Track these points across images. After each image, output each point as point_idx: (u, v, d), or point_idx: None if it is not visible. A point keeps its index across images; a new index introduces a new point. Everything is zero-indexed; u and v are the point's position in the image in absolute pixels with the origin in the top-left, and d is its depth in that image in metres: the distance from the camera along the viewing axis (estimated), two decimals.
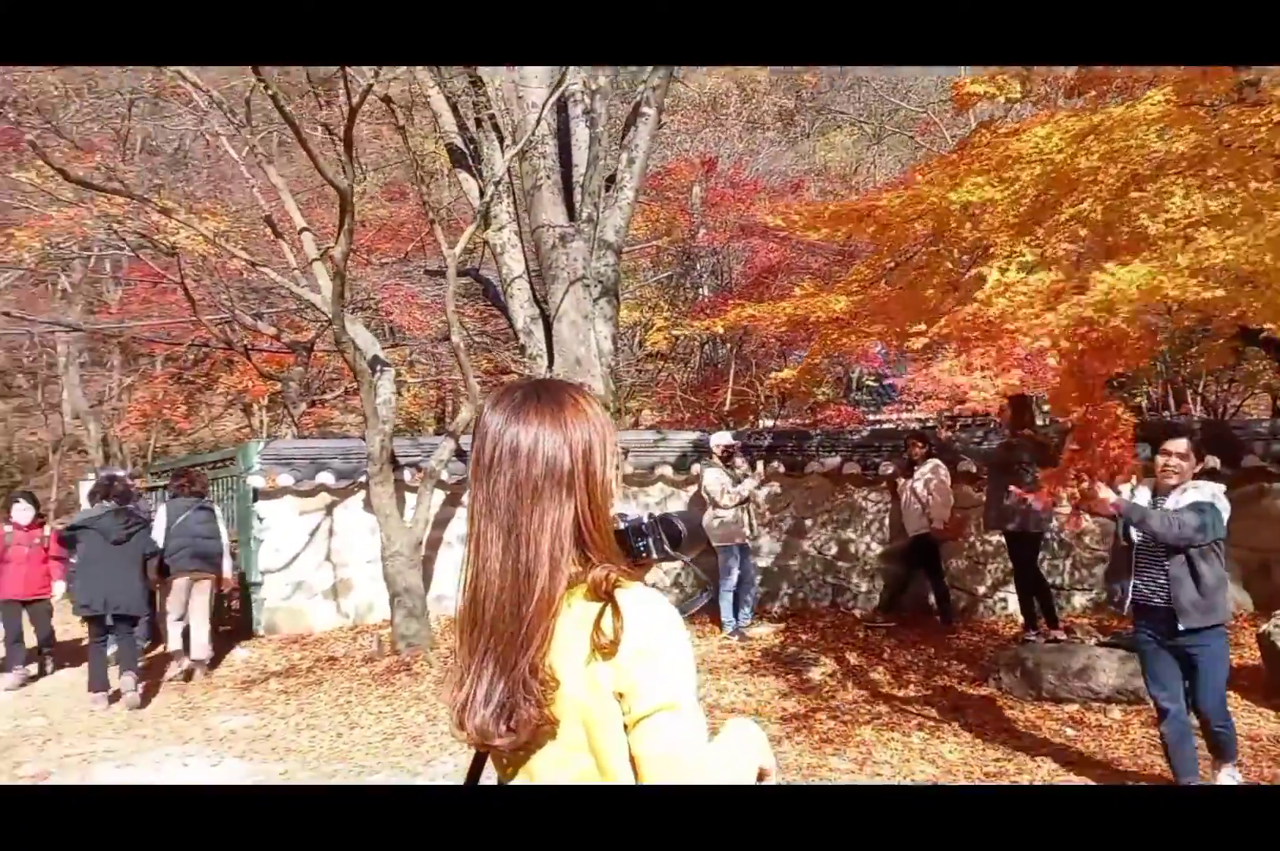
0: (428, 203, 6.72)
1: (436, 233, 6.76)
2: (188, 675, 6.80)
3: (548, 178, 9.01)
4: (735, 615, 7.30)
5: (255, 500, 7.79)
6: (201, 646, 6.82)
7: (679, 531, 1.46)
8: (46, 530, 7.25)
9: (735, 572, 7.24)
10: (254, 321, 10.97)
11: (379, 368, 6.98)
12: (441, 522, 7.85)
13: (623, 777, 1.17)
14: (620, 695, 1.15)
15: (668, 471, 7.85)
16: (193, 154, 14.02)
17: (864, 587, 7.83)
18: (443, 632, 7.29)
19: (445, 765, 5.09)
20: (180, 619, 6.79)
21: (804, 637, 7.23)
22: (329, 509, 7.81)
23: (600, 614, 1.16)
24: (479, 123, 9.23)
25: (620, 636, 1.15)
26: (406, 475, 7.67)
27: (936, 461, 7.40)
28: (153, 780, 4.96)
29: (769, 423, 14.80)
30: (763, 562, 7.91)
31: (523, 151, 8.92)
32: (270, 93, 5.64)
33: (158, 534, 6.62)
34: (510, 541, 1.20)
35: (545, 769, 1.21)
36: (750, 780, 1.33)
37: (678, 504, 7.94)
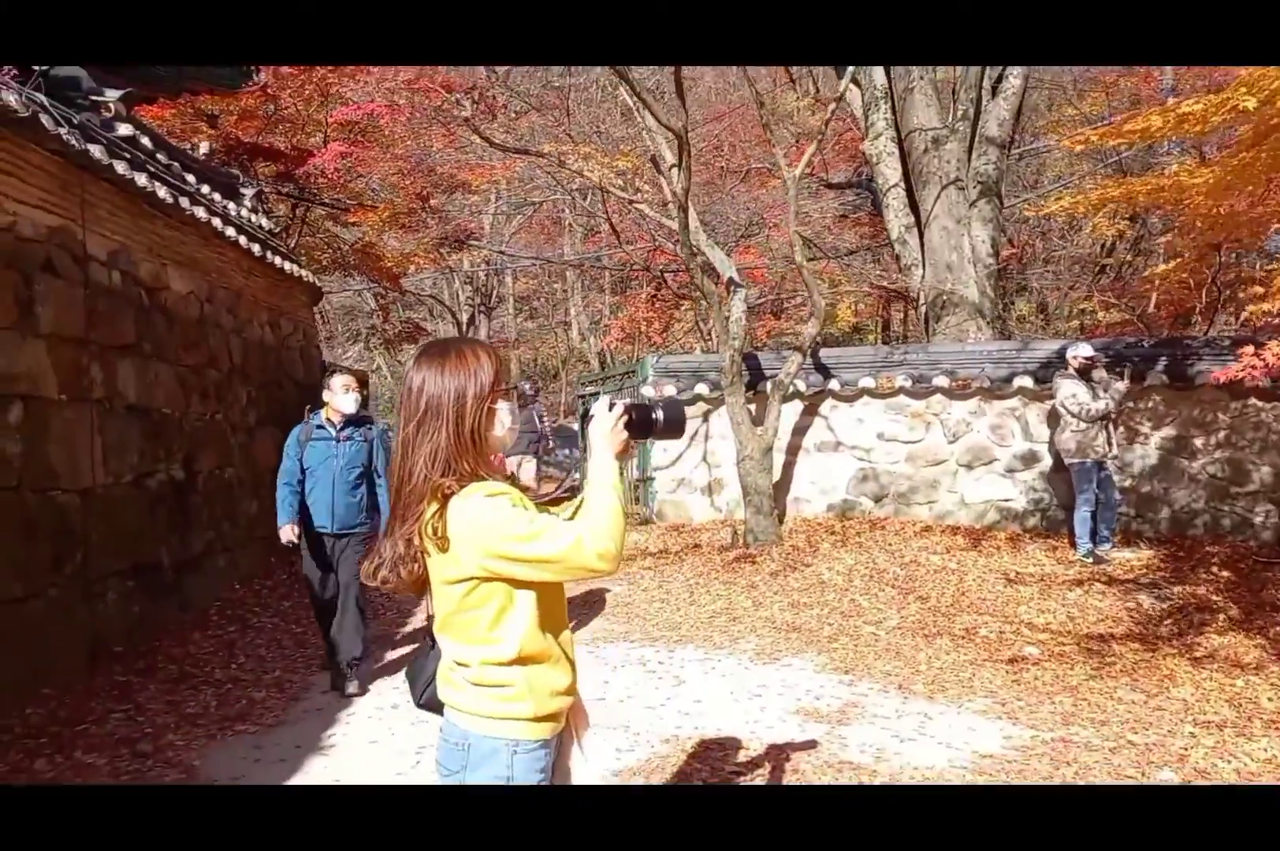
0: (767, 124, 6.99)
1: (775, 154, 7.05)
2: None
3: (920, 79, 8.71)
4: (1092, 538, 6.88)
5: None
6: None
7: (650, 417, 1.82)
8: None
9: (1091, 492, 6.80)
10: (673, 247, 12.26)
11: (733, 288, 7.61)
12: (801, 430, 8.40)
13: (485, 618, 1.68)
14: (483, 567, 1.65)
15: (1027, 382, 7.46)
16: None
17: (1262, 518, 6.79)
18: (790, 531, 7.95)
19: (749, 643, 5.81)
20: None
21: (1172, 567, 6.60)
22: (705, 416, 8.77)
23: (432, 514, 1.68)
24: None
25: (445, 531, 1.66)
26: (770, 387, 8.31)
27: None
28: None
29: (1230, 329, 12.58)
30: (1140, 485, 7.24)
31: None
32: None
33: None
34: (406, 450, 1.73)
35: (439, 605, 1.76)
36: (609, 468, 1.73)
37: (1034, 416, 7.53)
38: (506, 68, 13.08)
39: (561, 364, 29.26)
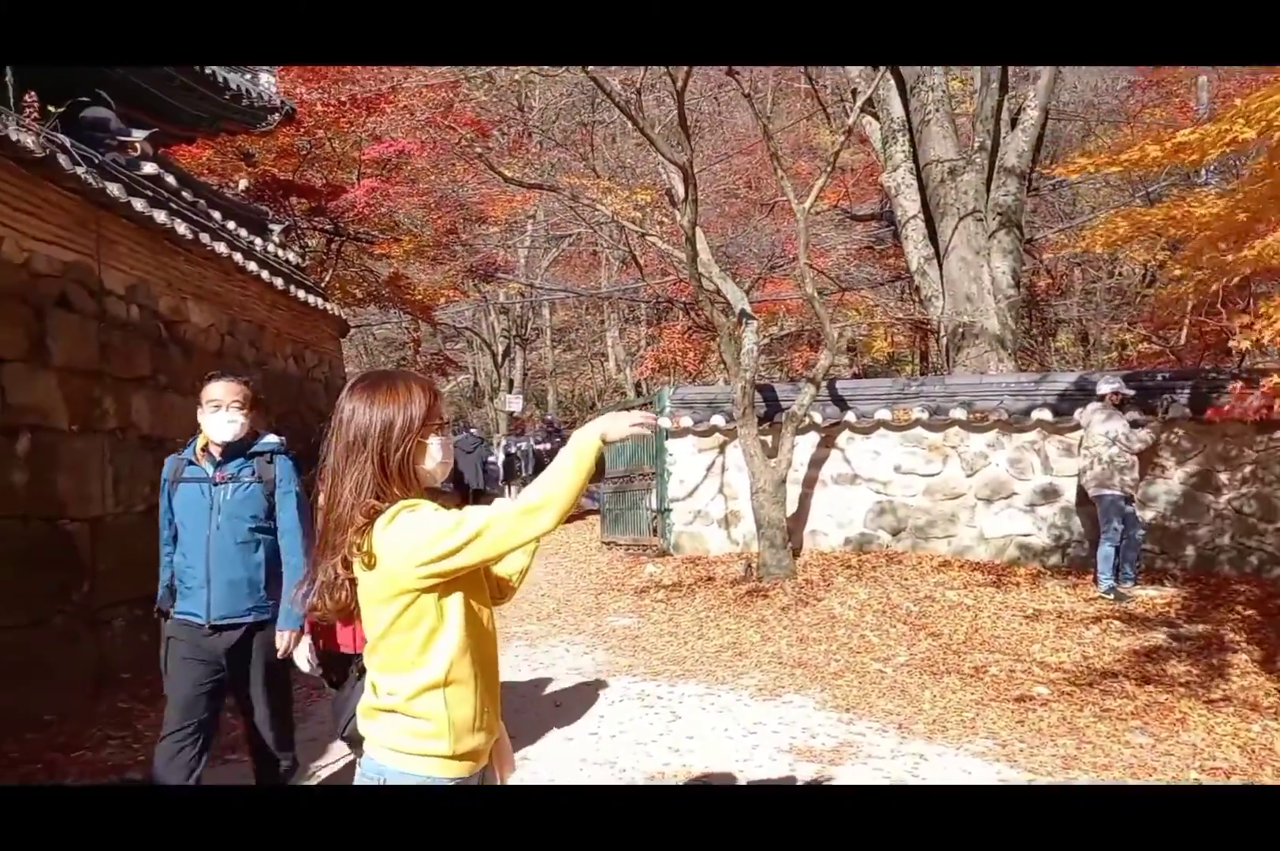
0: (775, 154, 7.00)
1: (785, 187, 7.08)
2: None
3: (936, 111, 8.71)
4: (1116, 574, 6.70)
5: (666, 438, 9.03)
6: None
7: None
8: None
9: (1117, 526, 6.64)
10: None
11: (744, 320, 7.61)
12: (818, 462, 8.31)
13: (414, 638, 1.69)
14: (424, 577, 1.64)
15: (1046, 415, 7.32)
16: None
17: None
18: (805, 564, 7.84)
19: (752, 678, 5.72)
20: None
21: (1195, 605, 6.38)
22: (721, 447, 8.73)
23: (355, 531, 1.70)
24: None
25: (371, 547, 1.68)
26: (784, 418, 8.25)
27: None
28: (533, 656, 6.40)
29: (1268, 360, 12.26)
30: (1164, 521, 7.05)
31: (911, 87, 8.73)
32: (611, 96, 6.53)
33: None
34: (336, 479, 1.77)
35: (369, 628, 1.77)
36: (583, 457, 1.66)
37: (1054, 450, 7.38)
38: (538, 106, 13.33)
39: (598, 395, 29.45)
